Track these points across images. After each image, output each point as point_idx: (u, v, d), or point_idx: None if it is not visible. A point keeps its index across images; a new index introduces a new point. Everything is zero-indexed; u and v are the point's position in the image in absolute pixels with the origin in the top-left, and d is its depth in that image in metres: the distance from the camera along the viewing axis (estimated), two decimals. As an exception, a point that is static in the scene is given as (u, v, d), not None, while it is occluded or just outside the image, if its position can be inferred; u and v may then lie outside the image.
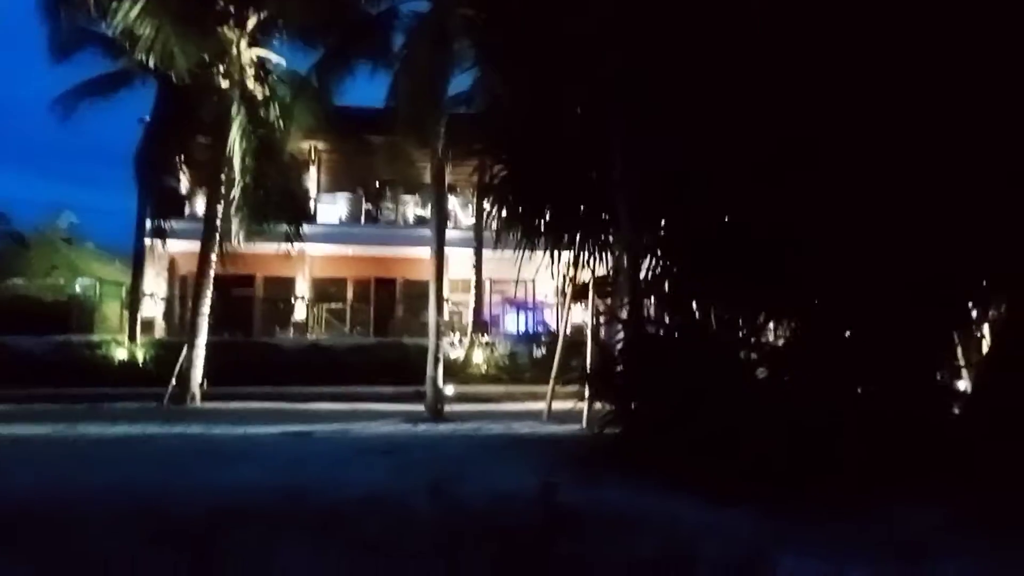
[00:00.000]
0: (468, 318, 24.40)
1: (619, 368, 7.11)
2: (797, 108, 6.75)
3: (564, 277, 11.34)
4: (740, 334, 7.27)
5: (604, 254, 8.69)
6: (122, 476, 6.75)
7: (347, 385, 18.49)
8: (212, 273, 16.17)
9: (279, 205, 17.15)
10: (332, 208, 25.56)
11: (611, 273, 8.57)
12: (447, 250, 23.51)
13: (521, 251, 8.65)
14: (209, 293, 16.08)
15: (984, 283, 7.56)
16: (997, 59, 6.21)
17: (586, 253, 8.68)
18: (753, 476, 5.93)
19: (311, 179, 25.12)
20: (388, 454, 8.35)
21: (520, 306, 25.81)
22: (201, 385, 15.75)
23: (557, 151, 8.06)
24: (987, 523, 5.39)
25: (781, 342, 7.73)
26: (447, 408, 13.36)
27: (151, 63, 12.90)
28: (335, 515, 5.64)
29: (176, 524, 5.44)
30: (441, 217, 13.46)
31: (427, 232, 25.37)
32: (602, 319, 11.77)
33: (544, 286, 27.78)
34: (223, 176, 16.22)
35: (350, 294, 26.14)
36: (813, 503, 5.71)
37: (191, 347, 15.79)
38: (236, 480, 6.60)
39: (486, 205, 23.82)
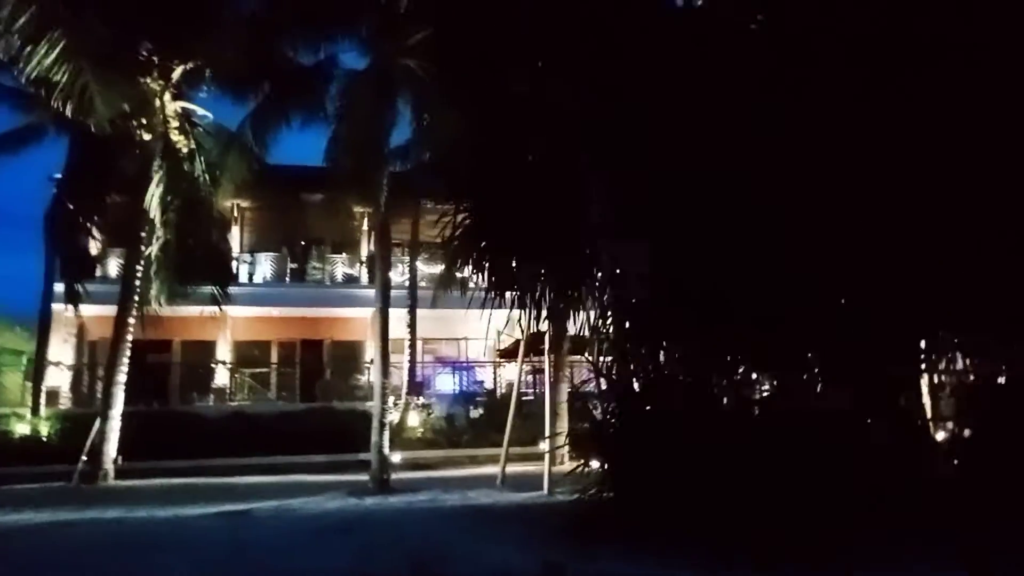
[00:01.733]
0: (399, 379, 23.49)
1: (612, 429, 6.65)
2: (778, 159, 6.67)
3: (522, 332, 10.91)
4: (728, 388, 6.96)
5: (579, 306, 8.25)
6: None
7: (276, 455, 17.26)
8: (129, 339, 14.96)
9: (204, 265, 16.15)
10: (255, 268, 24.47)
11: (591, 325, 8.10)
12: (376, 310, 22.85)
13: (490, 305, 8.13)
14: (126, 360, 14.85)
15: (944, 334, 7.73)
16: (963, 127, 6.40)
17: (560, 305, 8.23)
18: (752, 536, 5.60)
19: (234, 238, 24.02)
20: (346, 534, 7.55)
21: (454, 365, 25.10)
22: (115, 461, 14.38)
23: (525, 198, 7.67)
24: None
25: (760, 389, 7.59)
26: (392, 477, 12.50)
27: (68, 113, 11.95)
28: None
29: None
30: (385, 275, 12.81)
31: (355, 291, 24.77)
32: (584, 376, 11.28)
33: (476, 344, 27.27)
34: (143, 234, 15.18)
35: (275, 357, 24.83)
36: (831, 561, 5.38)
37: (104, 419, 14.46)
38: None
39: (420, 263, 23.48)
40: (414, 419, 20.68)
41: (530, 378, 20.99)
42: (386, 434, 12.29)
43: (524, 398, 18.01)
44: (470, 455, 19.00)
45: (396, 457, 13.81)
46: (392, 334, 23.68)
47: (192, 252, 15.95)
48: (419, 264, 23.21)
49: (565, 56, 7.43)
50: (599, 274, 8.10)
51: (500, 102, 7.98)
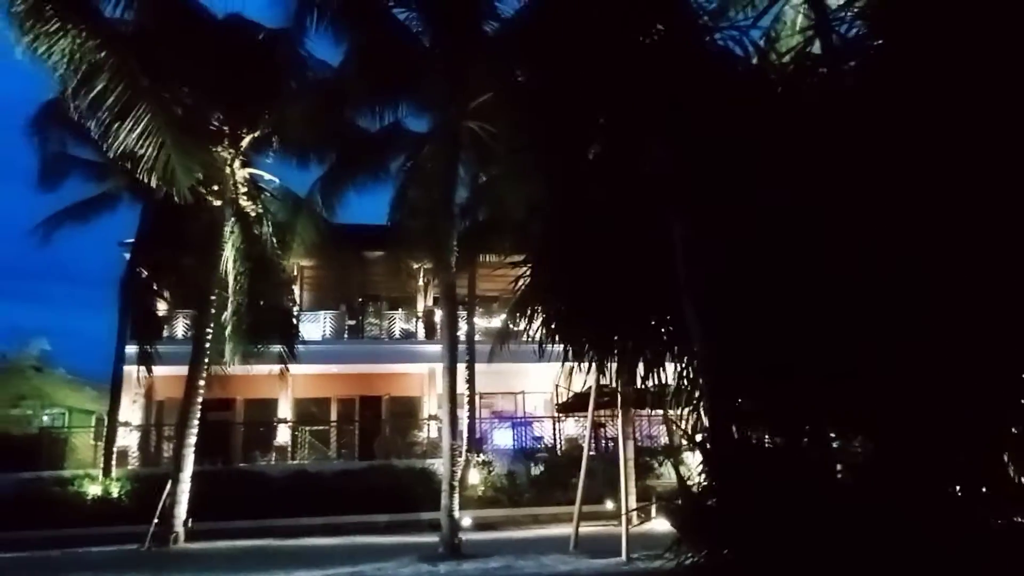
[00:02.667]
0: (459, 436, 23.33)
1: (709, 503, 6.43)
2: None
3: (599, 387, 10.77)
4: (827, 454, 6.68)
5: (659, 365, 8.09)
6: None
7: (337, 515, 17.32)
8: (200, 400, 15.21)
9: (272, 325, 16.46)
10: (315, 326, 24.82)
11: (671, 383, 7.91)
12: (434, 366, 22.88)
13: (567, 359, 8.04)
14: (196, 421, 15.08)
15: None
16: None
17: (641, 365, 8.08)
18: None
19: (295, 297, 24.50)
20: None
21: (513, 421, 24.86)
22: (186, 523, 14.47)
23: (604, 258, 7.60)
24: None
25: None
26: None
27: (152, 183, 12.41)
28: None
29: None
30: (453, 334, 12.81)
31: (413, 347, 24.91)
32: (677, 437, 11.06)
33: (532, 398, 27.03)
34: (213, 297, 15.55)
35: (334, 414, 24.97)
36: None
37: (175, 481, 14.61)
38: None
39: (476, 317, 23.52)
40: (475, 476, 20.46)
41: (587, 433, 20.72)
42: (456, 497, 12.14)
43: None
44: (533, 514, 18.69)
45: (464, 520, 13.62)
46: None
47: (262, 313, 16.33)
48: (475, 319, 23.27)
49: (650, 119, 7.40)
50: (678, 333, 7.94)
51: (579, 163, 7.96)
